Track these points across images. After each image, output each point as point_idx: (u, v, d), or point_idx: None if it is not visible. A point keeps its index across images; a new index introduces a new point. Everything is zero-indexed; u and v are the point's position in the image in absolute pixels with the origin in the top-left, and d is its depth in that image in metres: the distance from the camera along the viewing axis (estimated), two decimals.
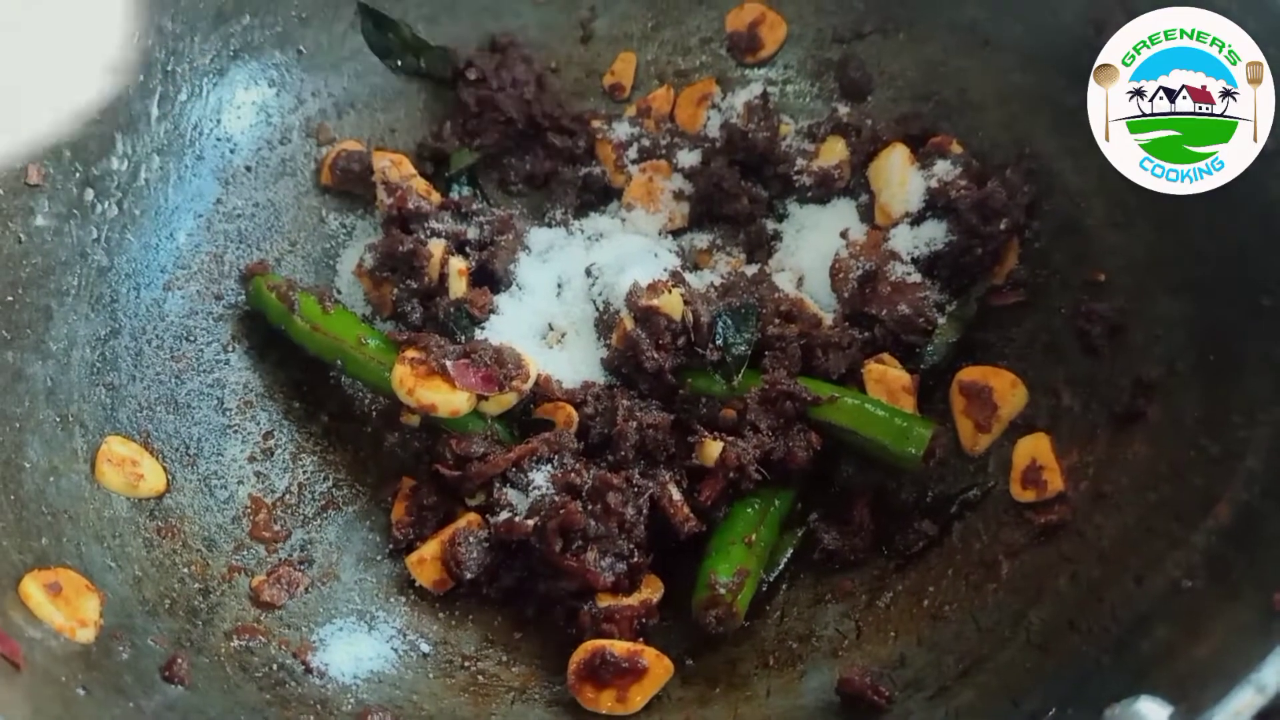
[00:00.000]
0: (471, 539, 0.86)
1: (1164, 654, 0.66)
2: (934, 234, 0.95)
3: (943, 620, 0.82)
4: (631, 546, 0.84)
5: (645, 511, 0.84)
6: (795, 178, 1.02)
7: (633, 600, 0.83)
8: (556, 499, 0.83)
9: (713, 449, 0.86)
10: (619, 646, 0.80)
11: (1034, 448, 0.85)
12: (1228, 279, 0.78)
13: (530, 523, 0.83)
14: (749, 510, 0.87)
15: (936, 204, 0.95)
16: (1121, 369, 0.84)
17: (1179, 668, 0.63)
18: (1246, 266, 0.77)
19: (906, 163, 0.97)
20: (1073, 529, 0.81)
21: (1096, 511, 0.80)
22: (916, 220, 0.96)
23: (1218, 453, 0.74)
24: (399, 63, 1.06)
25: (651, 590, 0.85)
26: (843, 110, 1.04)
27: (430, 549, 0.87)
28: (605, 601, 0.83)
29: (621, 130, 1.07)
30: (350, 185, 1.03)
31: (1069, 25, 0.89)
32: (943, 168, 0.96)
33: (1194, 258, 0.81)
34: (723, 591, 0.82)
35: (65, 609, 0.73)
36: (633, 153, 1.06)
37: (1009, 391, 0.88)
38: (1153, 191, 0.78)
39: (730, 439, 0.86)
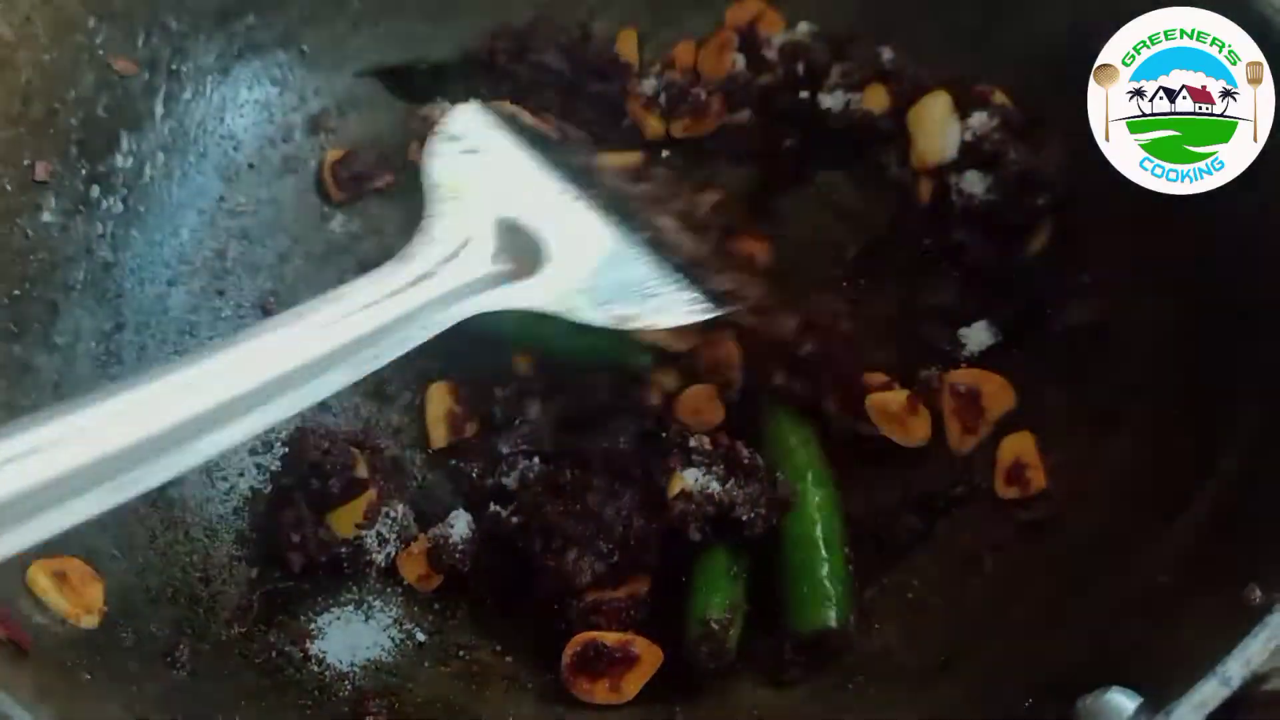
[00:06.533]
0: (460, 535, 0.87)
1: (1138, 647, 0.67)
2: (973, 186, 0.93)
3: (926, 613, 0.83)
4: (610, 546, 0.84)
5: (625, 512, 0.84)
6: (834, 122, 1.00)
7: (620, 593, 0.85)
8: (540, 498, 0.84)
9: (676, 484, 0.83)
10: (610, 637, 0.82)
11: (1018, 446, 0.86)
12: (1210, 281, 0.79)
13: (514, 520, 0.84)
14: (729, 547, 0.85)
15: (973, 155, 0.94)
16: (1105, 369, 0.85)
17: (1152, 660, 0.64)
18: (1228, 270, 0.78)
19: (948, 110, 0.95)
20: (1055, 525, 0.82)
21: (1078, 508, 0.81)
22: (955, 168, 0.95)
23: (1196, 452, 0.75)
24: (438, 98, 1.06)
25: (639, 583, 0.86)
26: (886, 56, 1.01)
27: (419, 544, 0.88)
28: (592, 595, 0.84)
29: (648, 85, 1.06)
30: (357, 190, 1.05)
31: (1063, 29, 0.90)
32: (979, 119, 0.94)
33: (1178, 260, 0.82)
34: (716, 628, 0.81)
35: (71, 596, 0.74)
36: (662, 102, 1.05)
37: (998, 394, 0.89)
38: (1139, 194, 0.78)
39: (699, 484, 0.83)
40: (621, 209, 0.88)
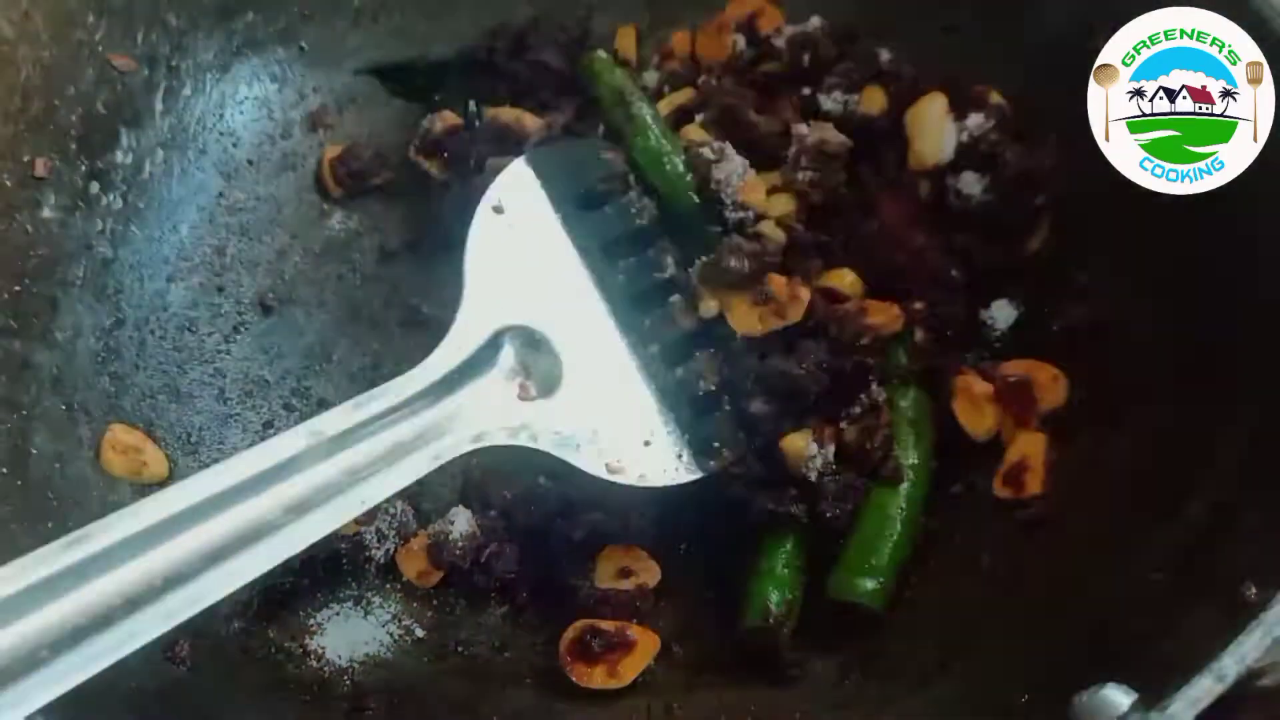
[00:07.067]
0: (460, 532, 0.88)
1: (1134, 644, 0.67)
2: (970, 188, 0.93)
3: (924, 611, 0.83)
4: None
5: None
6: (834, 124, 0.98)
7: (629, 584, 0.86)
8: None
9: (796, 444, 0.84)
10: (606, 622, 0.83)
11: (1024, 446, 0.86)
12: (1207, 282, 0.80)
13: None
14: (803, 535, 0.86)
15: (969, 156, 0.93)
16: (1104, 369, 0.85)
17: (1148, 657, 0.65)
18: (1228, 270, 0.78)
19: (943, 112, 0.95)
20: (1052, 524, 0.82)
21: (1075, 507, 0.81)
22: (952, 170, 0.94)
23: (1193, 451, 0.75)
24: (437, 97, 1.07)
25: (649, 575, 0.87)
26: (884, 57, 1.00)
27: (418, 541, 0.89)
28: (605, 584, 0.85)
29: (649, 78, 1.07)
30: (355, 187, 1.05)
31: (1060, 29, 0.90)
32: (975, 120, 0.94)
33: (1178, 260, 0.82)
34: (772, 623, 0.82)
35: None
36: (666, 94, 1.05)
37: (1050, 385, 0.87)
38: (1139, 194, 0.79)
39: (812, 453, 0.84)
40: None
